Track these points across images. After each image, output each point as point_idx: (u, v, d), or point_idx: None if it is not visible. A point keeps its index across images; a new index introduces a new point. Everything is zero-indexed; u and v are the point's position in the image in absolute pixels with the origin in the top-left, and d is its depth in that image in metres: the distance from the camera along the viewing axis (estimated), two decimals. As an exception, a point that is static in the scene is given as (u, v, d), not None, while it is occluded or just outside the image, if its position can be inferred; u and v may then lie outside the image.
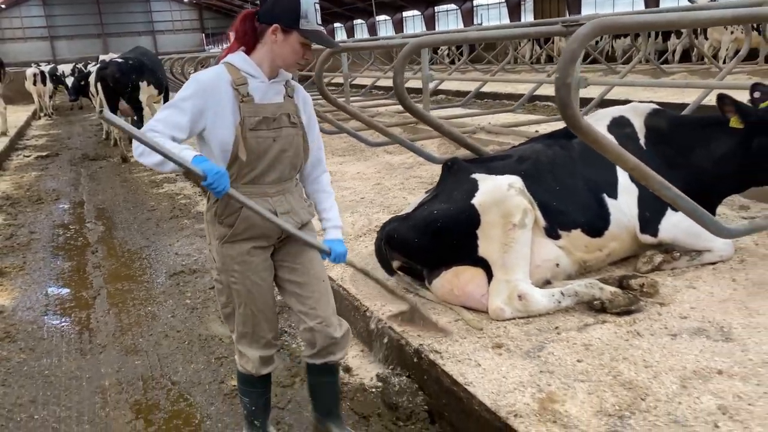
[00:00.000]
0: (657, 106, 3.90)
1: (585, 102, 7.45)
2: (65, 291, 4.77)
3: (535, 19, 33.69)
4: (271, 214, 2.23)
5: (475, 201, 3.26)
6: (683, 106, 6.96)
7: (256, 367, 2.43)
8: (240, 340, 2.43)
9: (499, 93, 14.13)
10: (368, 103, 13.50)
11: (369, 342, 3.36)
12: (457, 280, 3.30)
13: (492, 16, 41.89)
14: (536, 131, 7.75)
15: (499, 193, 3.23)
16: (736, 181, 3.70)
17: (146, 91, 10.02)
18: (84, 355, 3.68)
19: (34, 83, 17.81)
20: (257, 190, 2.27)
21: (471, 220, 3.24)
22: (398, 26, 50.86)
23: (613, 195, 3.54)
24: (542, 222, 3.36)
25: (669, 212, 3.50)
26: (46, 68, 19.16)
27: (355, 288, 3.71)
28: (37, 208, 7.47)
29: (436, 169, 4.36)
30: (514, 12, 39.05)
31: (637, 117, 3.80)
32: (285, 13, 2.19)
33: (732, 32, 15.16)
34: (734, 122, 3.51)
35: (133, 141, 2.06)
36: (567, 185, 3.51)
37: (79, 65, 20.71)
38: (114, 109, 9.54)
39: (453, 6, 45.32)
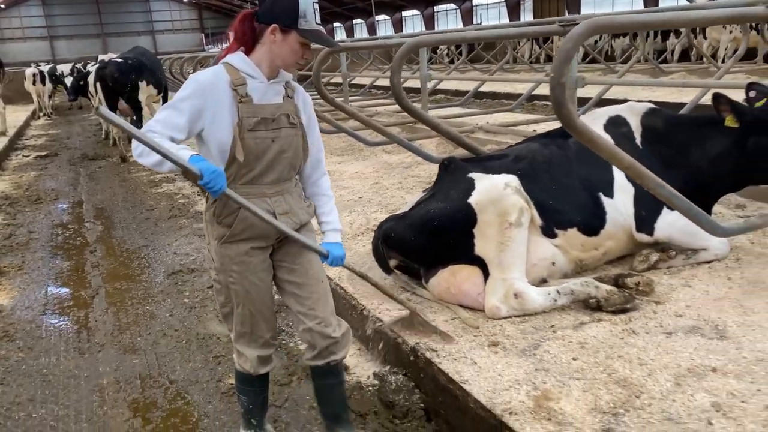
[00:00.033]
0: (653, 106, 3.91)
1: (583, 101, 7.46)
2: (64, 290, 4.78)
3: (534, 18, 33.69)
4: (268, 215, 2.22)
5: (471, 200, 3.27)
6: (681, 105, 6.97)
7: (254, 366, 2.44)
8: (238, 340, 2.44)
9: (498, 92, 14.15)
10: (367, 103, 13.52)
11: (366, 340, 3.37)
12: (454, 279, 3.31)
13: (491, 15, 41.92)
14: (534, 130, 7.77)
15: (496, 192, 3.24)
16: (732, 180, 3.71)
17: (145, 91, 10.04)
18: (82, 353, 3.69)
19: (34, 83, 17.83)
20: (255, 191, 2.27)
21: (468, 218, 3.25)
22: (398, 26, 50.85)
23: (609, 194, 3.56)
24: (538, 221, 3.37)
25: (665, 211, 3.51)
26: (45, 68, 19.15)
27: (352, 287, 3.72)
28: (36, 208, 7.48)
29: (434, 169, 4.37)
30: (514, 12, 39.08)
31: (633, 116, 3.82)
32: (284, 13, 2.19)
33: (731, 32, 15.17)
34: (729, 121, 3.52)
35: (133, 141, 2.07)
36: (563, 184, 3.52)
37: (79, 65, 20.72)
38: (113, 109, 9.53)
39: (452, 6, 45.33)
